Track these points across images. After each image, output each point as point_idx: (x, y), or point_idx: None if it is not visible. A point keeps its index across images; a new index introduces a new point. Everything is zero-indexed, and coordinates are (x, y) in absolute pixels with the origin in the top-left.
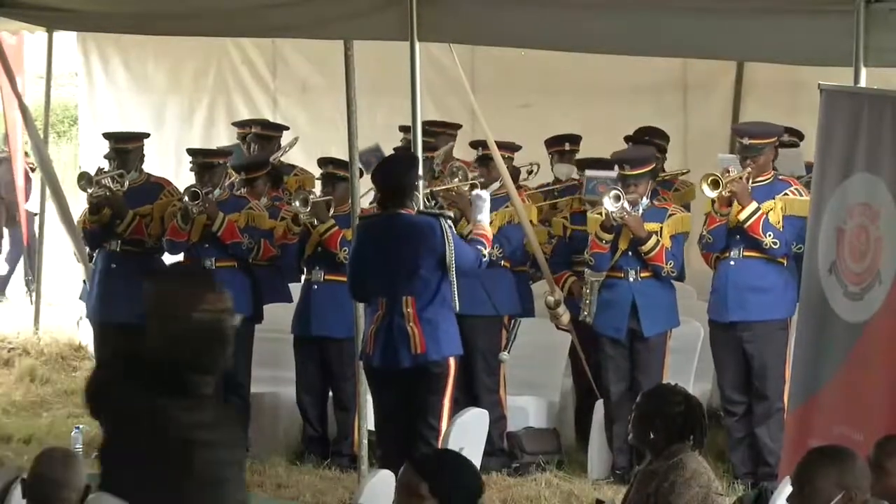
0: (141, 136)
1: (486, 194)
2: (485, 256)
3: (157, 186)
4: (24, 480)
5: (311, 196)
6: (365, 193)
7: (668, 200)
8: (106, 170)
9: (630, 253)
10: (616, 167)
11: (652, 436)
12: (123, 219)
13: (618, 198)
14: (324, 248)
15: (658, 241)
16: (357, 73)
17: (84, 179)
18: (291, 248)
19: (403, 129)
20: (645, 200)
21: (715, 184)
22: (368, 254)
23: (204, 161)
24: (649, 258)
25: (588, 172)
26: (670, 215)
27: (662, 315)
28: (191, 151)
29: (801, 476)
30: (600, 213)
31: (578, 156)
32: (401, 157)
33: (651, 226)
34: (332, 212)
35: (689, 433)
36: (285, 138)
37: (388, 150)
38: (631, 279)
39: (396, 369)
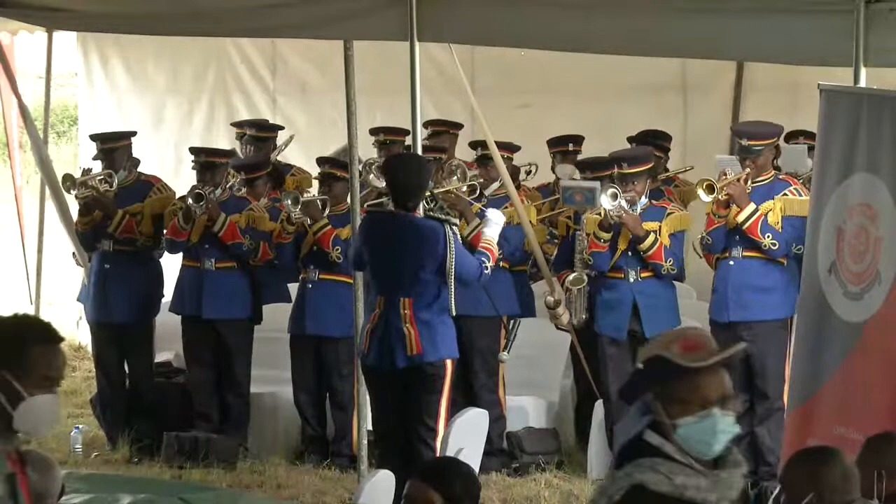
0: (128, 135)
1: (500, 218)
2: (487, 269)
3: (147, 185)
4: None
5: (303, 196)
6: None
7: (672, 200)
8: (94, 171)
9: (630, 253)
10: (609, 170)
11: None
12: (113, 218)
13: (615, 196)
14: (318, 247)
15: (656, 240)
16: (357, 74)
17: (68, 181)
18: (287, 247)
19: (374, 131)
20: (644, 199)
21: (710, 188)
22: (370, 251)
23: (206, 160)
24: (648, 256)
25: (563, 182)
26: (669, 214)
27: (664, 316)
28: (193, 150)
29: (782, 479)
30: (599, 214)
31: (578, 156)
32: (414, 156)
33: (650, 224)
34: (327, 211)
35: None
36: (280, 137)
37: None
38: (631, 279)
39: (391, 369)
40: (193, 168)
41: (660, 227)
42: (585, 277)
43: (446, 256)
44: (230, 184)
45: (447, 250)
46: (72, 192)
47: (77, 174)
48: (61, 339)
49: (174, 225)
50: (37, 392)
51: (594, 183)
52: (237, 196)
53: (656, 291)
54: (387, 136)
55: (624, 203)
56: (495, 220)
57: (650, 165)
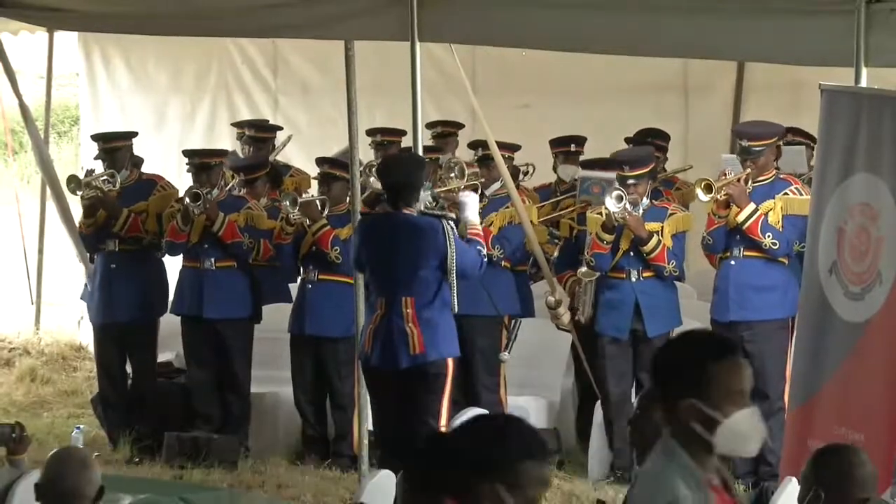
0: (129, 136)
1: (474, 198)
2: (485, 258)
3: (150, 183)
4: (37, 485)
5: (302, 196)
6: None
7: (671, 200)
8: (97, 171)
9: (631, 253)
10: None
11: None
12: (118, 218)
13: (620, 198)
14: (317, 247)
15: (659, 241)
16: (358, 74)
17: (73, 182)
18: (286, 248)
19: (371, 132)
20: (645, 200)
21: (708, 188)
22: (369, 252)
23: (201, 161)
24: (651, 258)
25: (582, 173)
26: (670, 214)
27: (665, 315)
28: (187, 153)
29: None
30: (600, 214)
31: (581, 157)
32: (409, 156)
33: (651, 225)
34: (326, 211)
35: None
36: (279, 137)
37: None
38: (633, 279)
39: (394, 369)
40: (189, 171)
41: (662, 227)
42: (595, 273)
43: (447, 252)
44: (230, 185)
45: (448, 246)
46: (77, 193)
47: (79, 174)
48: (738, 352)
49: (173, 227)
50: (731, 410)
51: (612, 175)
52: (234, 195)
53: (658, 291)
54: (384, 137)
55: (628, 205)
56: (469, 202)
57: (652, 167)
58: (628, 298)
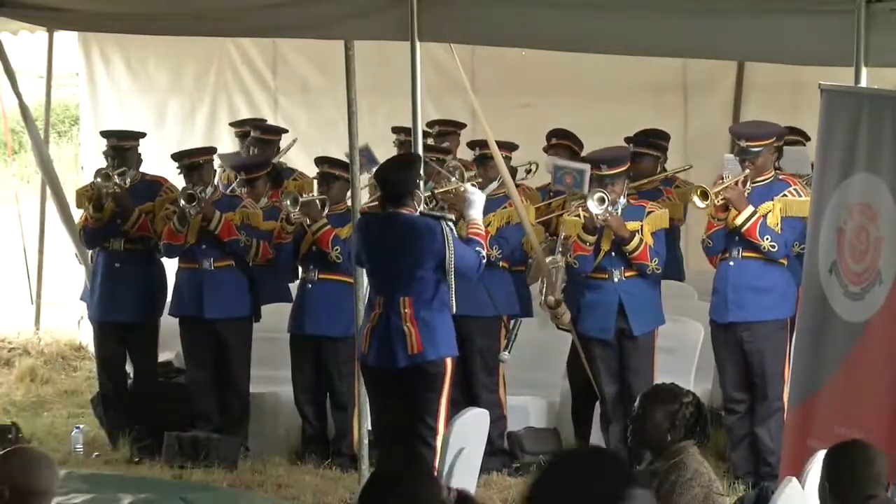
0: (138, 136)
1: (480, 196)
2: (484, 258)
3: (156, 184)
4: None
5: (302, 196)
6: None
7: (672, 198)
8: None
9: (613, 254)
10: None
11: (669, 438)
12: (128, 216)
13: (602, 200)
14: (317, 246)
15: (641, 240)
16: (358, 74)
17: (100, 176)
18: (286, 247)
19: (396, 130)
20: (622, 199)
21: (704, 195)
22: (367, 251)
23: (191, 162)
24: (634, 257)
25: (557, 162)
26: (649, 213)
27: (649, 313)
28: (175, 156)
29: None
30: (578, 216)
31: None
32: (402, 156)
33: (631, 224)
34: (326, 210)
35: (697, 430)
36: (284, 140)
37: (383, 151)
38: (616, 279)
39: (392, 369)
40: (180, 173)
41: (641, 226)
42: (559, 258)
43: (445, 253)
44: (232, 186)
45: (446, 247)
46: (106, 184)
47: (78, 174)
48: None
49: (170, 229)
50: None
51: (585, 165)
52: (230, 195)
53: (641, 290)
54: (407, 137)
55: (610, 207)
56: (476, 199)
57: (628, 166)
58: (611, 299)
